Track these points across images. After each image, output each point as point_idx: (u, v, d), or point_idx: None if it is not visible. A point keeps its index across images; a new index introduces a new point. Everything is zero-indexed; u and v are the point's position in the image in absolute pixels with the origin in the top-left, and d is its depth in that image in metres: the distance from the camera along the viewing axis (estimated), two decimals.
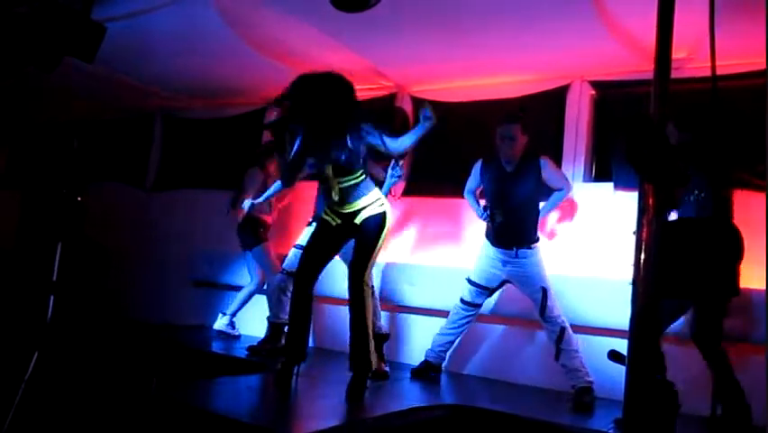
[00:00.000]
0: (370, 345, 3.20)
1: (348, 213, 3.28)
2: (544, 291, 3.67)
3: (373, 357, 3.22)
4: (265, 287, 4.83)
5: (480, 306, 3.93)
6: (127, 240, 6.09)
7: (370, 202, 3.26)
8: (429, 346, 4.02)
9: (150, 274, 5.91)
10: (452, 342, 3.99)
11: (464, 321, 3.94)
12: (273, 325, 4.39)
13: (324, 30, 4.14)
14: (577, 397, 3.51)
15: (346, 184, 3.24)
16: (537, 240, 3.79)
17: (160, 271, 5.86)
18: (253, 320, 4.95)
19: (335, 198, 3.26)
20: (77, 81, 5.18)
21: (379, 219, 3.24)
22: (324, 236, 3.36)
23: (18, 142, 7.57)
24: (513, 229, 3.77)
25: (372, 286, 4.20)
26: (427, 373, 3.94)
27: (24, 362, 3.26)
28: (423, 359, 3.99)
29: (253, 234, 4.80)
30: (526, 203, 3.77)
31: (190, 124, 6.25)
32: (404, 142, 3.27)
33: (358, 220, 3.26)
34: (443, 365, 4.04)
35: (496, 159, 3.86)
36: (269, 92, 5.31)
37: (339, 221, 3.31)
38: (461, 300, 3.92)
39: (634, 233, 1.49)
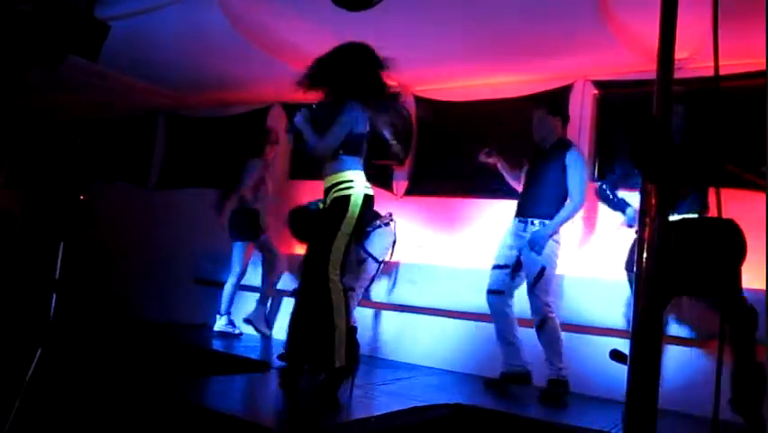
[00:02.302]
0: (334, 344, 2.95)
1: (327, 188, 3.13)
2: (542, 269, 3.63)
3: (338, 357, 2.97)
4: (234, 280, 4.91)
5: (502, 292, 3.78)
6: (130, 238, 6.10)
7: (341, 181, 3.04)
8: (434, 349, 4.02)
9: (152, 273, 5.92)
10: (513, 344, 3.76)
11: (501, 315, 3.78)
12: None
13: (328, 28, 4.13)
14: (549, 388, 3.52)
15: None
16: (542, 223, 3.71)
17: (162, 269, 5.87)
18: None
19: (326, 161, 3.14)
20: (81, 80, 5.19)
21: (343, 202, 2.99)
22: (315, 226, 3.27)
23: (21, 140, 7.59)
24: (534, 200, 3.76)
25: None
26: (512, 382, 3.74)
27: (27, 359, 3.26)
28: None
29: (250, 226, 4.80)
30: (550, 181, 3.71)
31: (193, 122, 6.26)
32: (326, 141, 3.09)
33: (328, 198, 3.09)
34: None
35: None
36: (272, 90, 5.35)
37: (325, 202, 3.19)
38: (486, 292, 3.84)
39: (636, 232, 1.49)
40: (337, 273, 3.00)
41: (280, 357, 4.03)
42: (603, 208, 4.06)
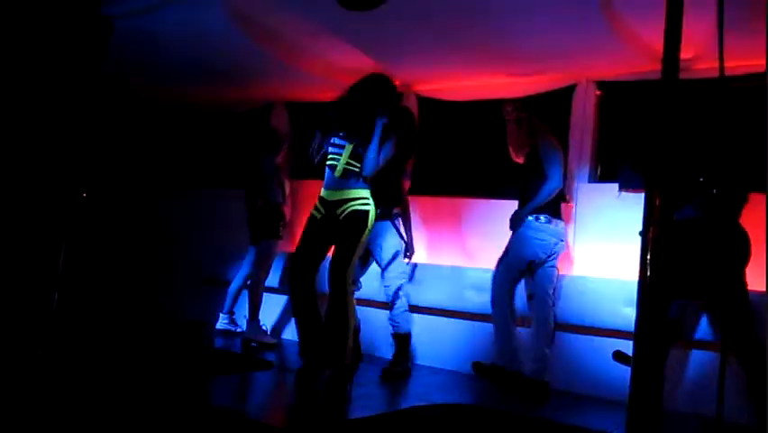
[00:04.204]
0: (348, 342, 3.23)
1: (333, 201, 3.34)
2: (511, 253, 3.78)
3: (349, 354, 3.25)
4: (249, 282, 4.85)
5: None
6: (134, 236, 6.11)
7: (357, 197, 3.31)
8: (434, 348, 4.02)
9: (158, 271, 5.93)
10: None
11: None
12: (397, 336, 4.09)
13: (332, 28, 4.14)
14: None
15: (349, 167, 3.33)
16: (536, 217, 3.74)
17: (168, 268, 5.87)
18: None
19: (337, 174, 3.34)
20: (83, 77, 5.18)
21: (362, 216, 3.29)
22: (312, 231, 3.42)
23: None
24: (523, 198, 3.83)
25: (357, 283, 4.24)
26: None
27: (29, 358, 3.26)
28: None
29: (272, 225, 4.78)
30: (532, 174, 3.78)
31: (196, 121, 6.27)
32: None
33: (340, 212, 3.31)
34: None
35: None
36: (274, 89, 5.36)
37: (323, 212, 3.38)
38: None
39: (640, 233, 1.49)
40: (351, 276, 3.31)
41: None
42: (607, 209, 4.07)
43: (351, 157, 3.37)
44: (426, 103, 4.93)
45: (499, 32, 3.89)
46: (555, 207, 3.79)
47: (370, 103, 3.38)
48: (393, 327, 4.03)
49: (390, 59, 4.58)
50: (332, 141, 3.43)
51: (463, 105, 4.77)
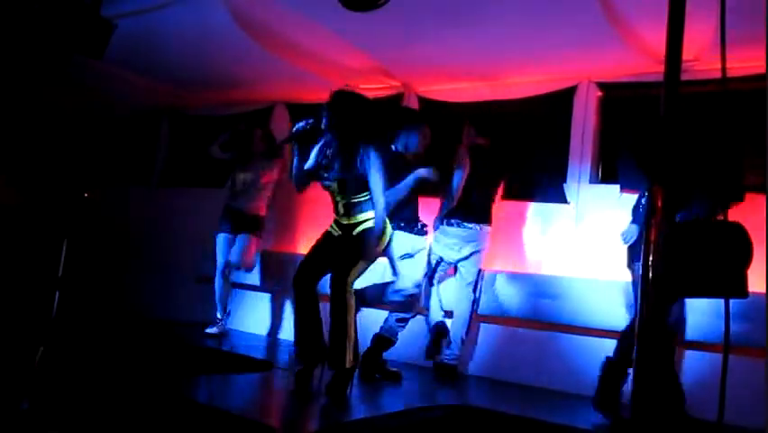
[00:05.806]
0: (347, 345, 3.24)
1: (348, 224, 3.39)
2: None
3: (350, 356, 3.24)
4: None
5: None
6: (132, 236, 6.11)
7: (371, 218, 3.34)
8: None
9: (155, 270, 5.92)
10: None
11: None
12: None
13: (333, 29, 4.14)
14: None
15: (351, 200, 3.35)
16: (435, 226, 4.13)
17: (165, 267, 5.87)
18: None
19: (340, 210, 3.39)
20: (84, 77, 5.19)
21: (377, 233, 3.32)
22: (325, 245, 3.46)
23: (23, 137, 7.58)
24: None
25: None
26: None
27: (29, 357, 3.27)
28: None
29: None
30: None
31: (197, 121, 6.26)
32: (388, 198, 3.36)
33: (356, 232, 3.35)
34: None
35: None
36: (275, 89, 5.36)
37: (340, 232, 3.43)
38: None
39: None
40: (353, 283, 3.32)
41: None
42: (608, 210, 4.07)
43: (342, 192, 3.35)
44: (426, 103, 4.93)
45: (500, 33, 3.89)
46: (463, 211, 4.00)
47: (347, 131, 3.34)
48: (384, 329, 3.95)
49: (390, 60, 4.58)
50: (324, 178, 3.42)
51: (464, 106, 4.77)
